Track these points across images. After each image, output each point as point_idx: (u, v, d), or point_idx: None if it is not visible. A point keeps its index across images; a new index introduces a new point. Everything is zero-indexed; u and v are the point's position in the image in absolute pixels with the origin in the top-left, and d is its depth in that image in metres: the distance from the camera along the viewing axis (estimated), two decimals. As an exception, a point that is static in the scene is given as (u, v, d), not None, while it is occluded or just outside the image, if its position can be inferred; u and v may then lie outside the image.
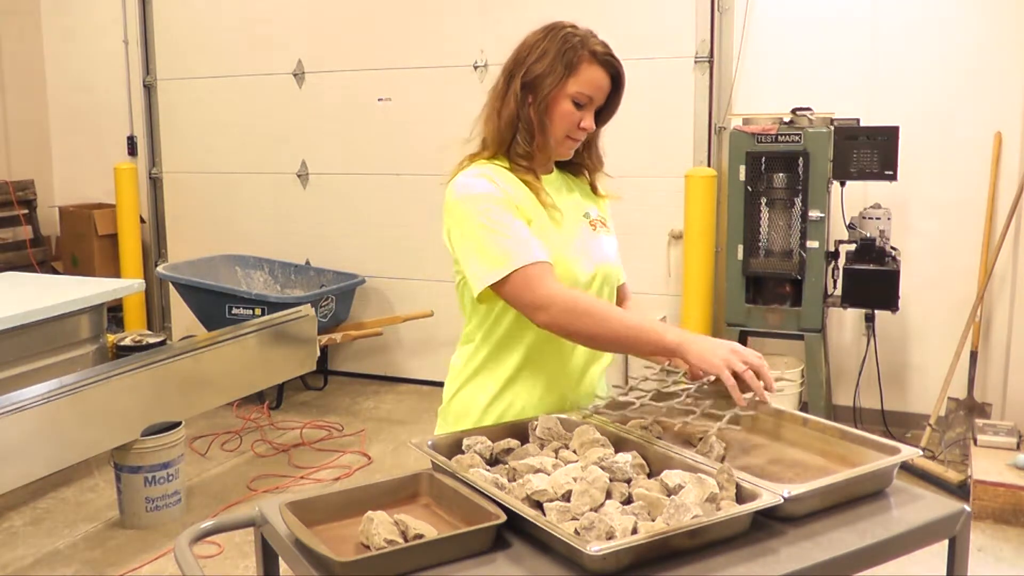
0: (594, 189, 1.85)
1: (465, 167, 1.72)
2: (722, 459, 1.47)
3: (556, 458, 1.45)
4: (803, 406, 4.27)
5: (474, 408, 1.74)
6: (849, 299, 4.01)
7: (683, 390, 1.62)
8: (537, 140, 1.69)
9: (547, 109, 1.67)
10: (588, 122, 1.69)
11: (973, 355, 4.28)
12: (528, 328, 1.68)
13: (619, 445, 1.49)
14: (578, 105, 1.67)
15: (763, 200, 4.10)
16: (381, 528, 1.22)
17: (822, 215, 3.94)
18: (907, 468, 3.72)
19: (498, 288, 1.59)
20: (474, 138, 1.76)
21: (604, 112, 1.75)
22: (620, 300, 1.89)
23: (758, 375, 1.48)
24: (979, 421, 3.98)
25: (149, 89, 6.10)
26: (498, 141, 1.71)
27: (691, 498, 1.24)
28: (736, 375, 1.47)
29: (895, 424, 4.49)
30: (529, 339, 1.70)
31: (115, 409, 3.30)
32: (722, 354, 1.49)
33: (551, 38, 1.67)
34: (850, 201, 4.18)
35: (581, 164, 1.83)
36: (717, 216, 4.53)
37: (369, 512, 1.27)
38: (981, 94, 4.24)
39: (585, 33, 1.69)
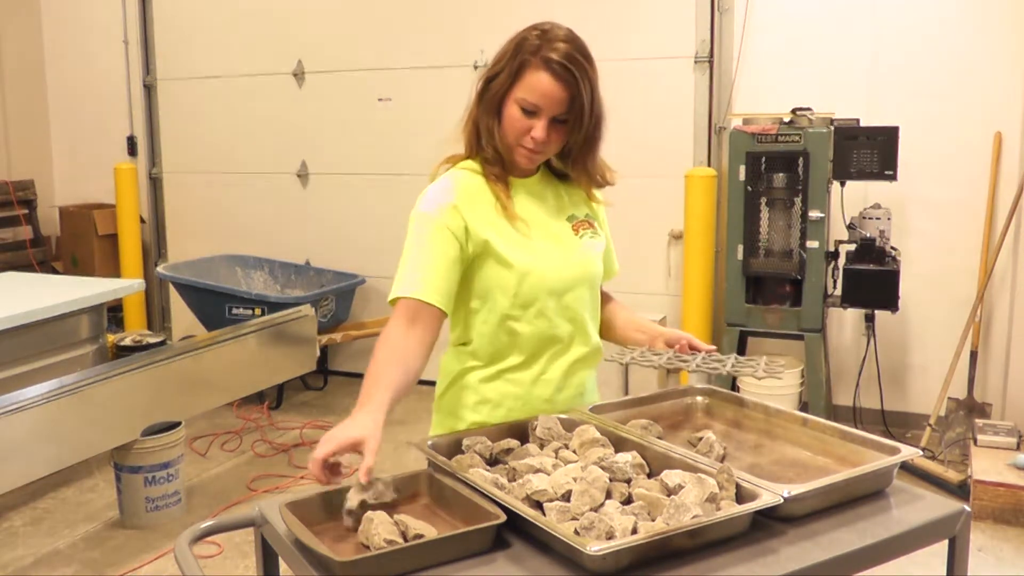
0: (588, 195, 1.81)
1: (444, 169, 1.72)
2: (722, 459, 1.47)
3: (556, 458, 1.45)
4: (803, 406, 4.27)
5: (460, 408, 1.74)
6: (849, 299, 4.01)
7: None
8: (497, 144, 1.66)
9: (497, 112, 1.64)
10: (539, 132, 1.60)
11: (973, 355, 4.28)
12: (509, 333, 1.68)
13: (619, 445, 1.49)
14: (527, 112, 1.61)
15: (763, 200, 4.10)
16: (381, 528, 1.22)
17: (822, 215, 3.94)
18: (907, 468, 3.72)
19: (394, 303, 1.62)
20: (457, 137, 1.74)
21: (570, 125, 1.63)
22: (603, 302, 1.87)
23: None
24: (979, 421, 3.98)
25: (149, 89, 6.10)
26: (468, 144, 1.71)
27: (691, 498, 1.24)
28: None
29: (895, 424, 4.49)
30: (511, 344, 1.69)
31: (115, 409, 3.30)
32: (327, 437, 1.36)
33: (514, 39, 1.63)
34: (850, 201, 4.18)
35: (573, 178, 1.76)
36: (717, 216, 4.53)
37: (369, 512, 1.27)
38: (981, 94, 4.24)
39: (550, 37, 1.59)
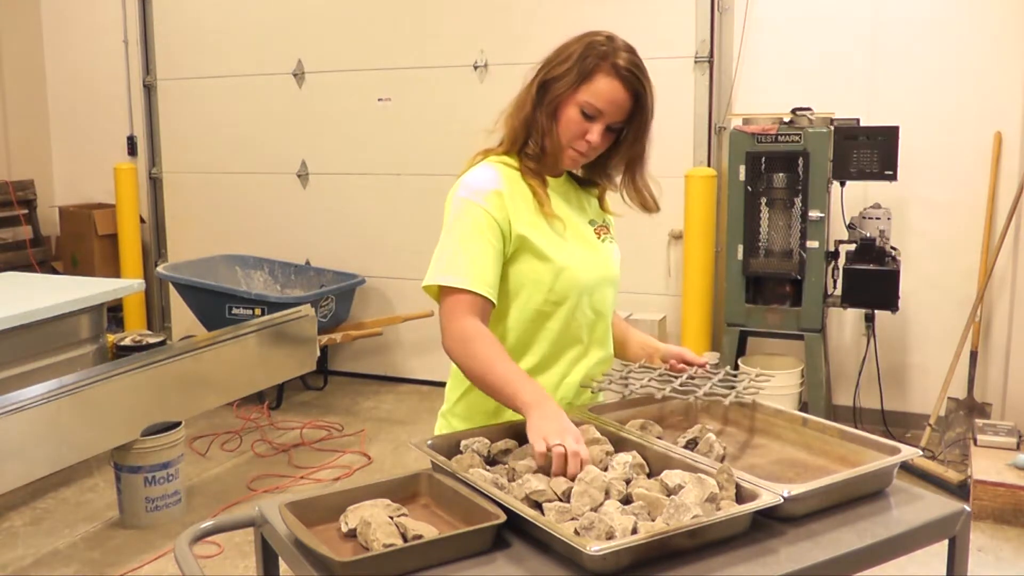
0: (601, 204, 1.84)
1: (478, 162, 1.71)
2: (722, 459, 1.47)
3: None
4: (803, 406, 4.27)
5: (478, 414, 1.73)
6: (849, 299, 4.01)
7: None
8: (546, 144, 1.67)
9: (554, 112, 1.64)
10: (594, 136, 1.62)
11: (973, 355, 4.28)
12: (532, 336, 1.69)
13: (619, 445, 1.49)
14: (587, 116, 1.61)
15: (763, 200, 4.10)
16: (380, 532, 1.22)
17: (822, 215, 3.94)
18: (907, 468, 3.72)
19: (440, 293, 1.63)
20: (497, 130, 1.73)
21: (629, 135, 1.67)
22: None
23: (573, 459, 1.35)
24: (979, 421, 3.98)
25: (149, 89, 6.10)
26: (512, 139, 1.70)
27: (691, 498, 1.24)
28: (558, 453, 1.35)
29: (895, 424, 4.49)
30: (538, 343, 1.70)
31: (115, 409, 3.30)
32: (551, 428, 1.38)
33: (579, 42, 1.63)
34: (850, 201, 4.18)
35: (599, 187, 1.81)
36: (717, 216, 4.53)
37: (366, 516, 1.26)
38: (981, 94, 4.24)
39: (616, 45, 1.61)
